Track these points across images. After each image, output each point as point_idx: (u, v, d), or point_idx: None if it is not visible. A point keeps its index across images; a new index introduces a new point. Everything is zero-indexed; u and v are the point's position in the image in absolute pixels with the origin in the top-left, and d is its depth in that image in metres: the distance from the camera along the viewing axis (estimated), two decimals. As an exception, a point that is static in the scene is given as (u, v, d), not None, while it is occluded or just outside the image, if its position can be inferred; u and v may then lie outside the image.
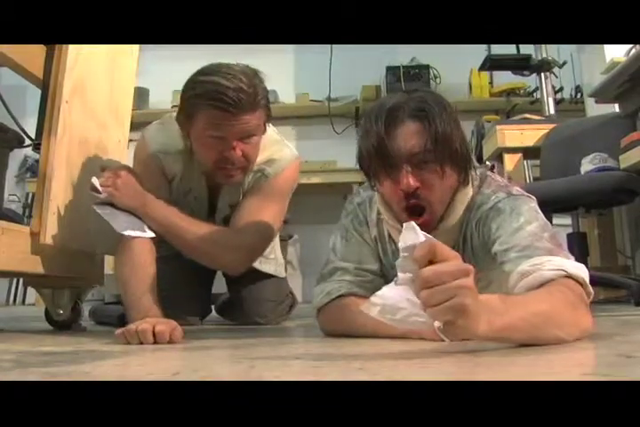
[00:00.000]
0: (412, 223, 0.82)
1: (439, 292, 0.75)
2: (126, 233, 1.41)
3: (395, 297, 0.82)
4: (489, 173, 1.34)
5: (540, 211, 1.21)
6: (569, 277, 1.01)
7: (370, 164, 1.21)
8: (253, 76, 1.45)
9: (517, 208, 1.19)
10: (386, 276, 1.33)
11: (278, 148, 1.66)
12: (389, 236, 1.34)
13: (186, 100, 1.46)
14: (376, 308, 0.84)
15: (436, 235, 1.25)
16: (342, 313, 1.24)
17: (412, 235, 0.81)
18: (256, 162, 1.58)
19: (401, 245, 0.82)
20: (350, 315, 1.21)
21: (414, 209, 1.20)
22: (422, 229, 1.21)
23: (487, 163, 3.34)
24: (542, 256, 1.06)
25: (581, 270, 1.04)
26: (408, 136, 1.16)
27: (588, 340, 0.97)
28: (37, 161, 1.51)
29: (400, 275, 0.82)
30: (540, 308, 0.90)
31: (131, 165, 1.63)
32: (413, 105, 1.17)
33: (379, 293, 0.84)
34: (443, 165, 1.17)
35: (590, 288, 1.04)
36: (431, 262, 0.77)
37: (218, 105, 1.39)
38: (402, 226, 1.24)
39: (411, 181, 1.16)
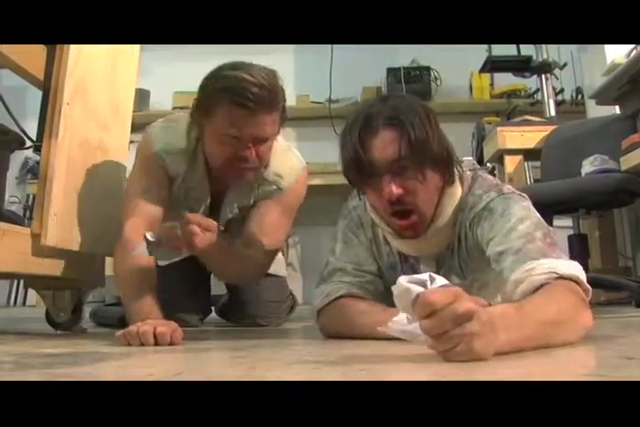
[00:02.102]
0: (400, 282, 0.81)
1: (444, 340, 0.76)
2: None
3: (412, 323, 0.83)
4: (480, 172, 1.34)
5: (532, 209, 1.21)
6: (563, 277, 1.02)
7: (351, 176, 1.23)
8: (274, 76, 1.45)
9: (509, 208, 1.19)
10: (382, 278, 1.34)
11: (288, 157, 1.65)
12: (384, 238, 1.34)
13: (206, 94, 1.45)
14: (394, 332, 0.87)
15: (427, 237, 1.26)
16: (342, 314, 1.24)
17: (405, 295, 0.80)
18: (270, 171, 1.59)
19: (397, 304, 0.82)
20: (350, 315, 1.22)
21: (401, 213, 1.21)
22: (413, 233, 1.23)
23: (487, 165, 3.34)
24: (533, 261, 1.07)
25: (574, 269, 1.05)
26: (384, 145, 1.18)
27: (589, 341, 0.97)
28: (38, 162, 1.51)
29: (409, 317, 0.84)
30: (551, 315, 0.91)
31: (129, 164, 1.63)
32: (386, 114, 1.19)
33: (396, 318, 0.87)
34: (423, 170, 1.19)
35: (587, 285, 1.04)
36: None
37: (238, 100, 1.38)
38: (392, 229, 1.25)
39: (393, 188, 1.17)
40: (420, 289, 0.80)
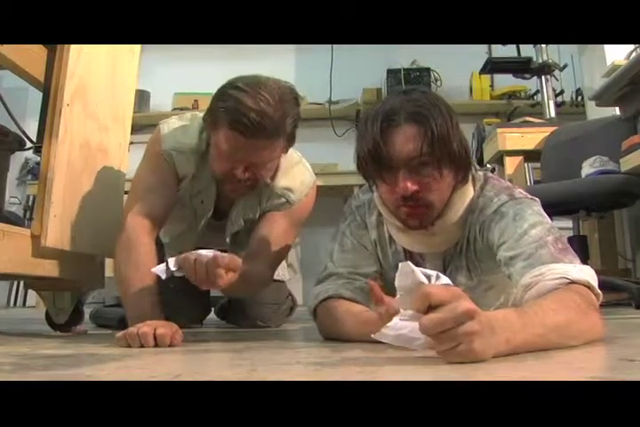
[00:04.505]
0: (409, 264, 0.81)
1: (444, 340, 0.75)
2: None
3: (407, 327, 0.82)
4: (491, 174, 1.34)
5: (544, 213, 1.21)
6: (574, 282, 1.01)
7: (366, 167, 1.22)
8: (287, 98, 1.40)
9: (521, 212, 1.19)
10: (385, 279, 1.34)
11: (300, 171, 1.65)
12: (390, 238, 1.34)
13: (212, 108, 1.43)
14: (388, 338, 0.85)
15: (434, 232, 1.25)
16: (330, 315, 1.25)
17: (408, 277, 0.81)
18: (279, 185, 1.58)
19: (397, 283, 0.82)
20: (339, 316, 1.23)
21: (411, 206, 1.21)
22: (419, 223, 1.22)
23: (488, 166, 3.34)
24: (543, 265, 1.06)
25: (586, 273, 1.04)
26: (405, 140, 1.16)
27: (590, 343, 0.96)
28: (38, 164, 1.51)
29: (402, 311, 0.83)
30: (556, 320, 0.90)
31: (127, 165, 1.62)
32: (409, 108, 1.17)
33: (390, 324, 0.85)
34: (441, 167, 1.18)
35: (598, 290, 1.03)
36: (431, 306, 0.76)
37: (234, 126, 1.36)
38: (398, 219, 1.24)
39: (408, 184, 1.16)
40: (423, 279, 0.80)
